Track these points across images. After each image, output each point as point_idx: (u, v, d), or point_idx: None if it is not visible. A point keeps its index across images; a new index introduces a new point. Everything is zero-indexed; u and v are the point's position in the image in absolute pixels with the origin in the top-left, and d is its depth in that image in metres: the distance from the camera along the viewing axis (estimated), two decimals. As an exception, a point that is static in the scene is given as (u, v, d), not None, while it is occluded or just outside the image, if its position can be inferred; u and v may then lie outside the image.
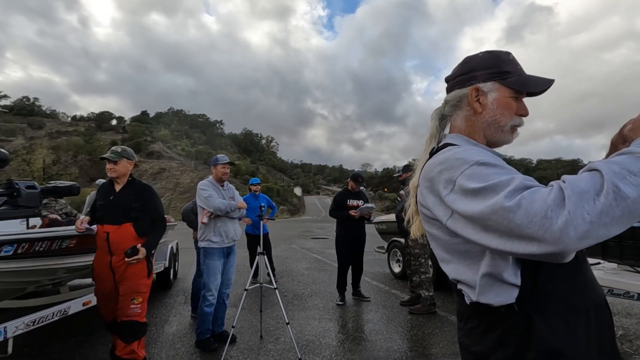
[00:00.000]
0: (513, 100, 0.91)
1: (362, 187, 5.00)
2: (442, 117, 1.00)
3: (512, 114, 0.91)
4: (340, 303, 4.65)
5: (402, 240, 5.69)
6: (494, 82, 0.91)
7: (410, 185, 1.03)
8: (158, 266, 4.95)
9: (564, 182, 0.63)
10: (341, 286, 4.80)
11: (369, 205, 4.74)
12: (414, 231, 1.05)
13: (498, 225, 0.65)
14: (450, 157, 0.80)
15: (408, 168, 4.68)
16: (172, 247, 5.74)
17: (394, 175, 4.91)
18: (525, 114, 0.93)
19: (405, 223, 1.08)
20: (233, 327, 3.19)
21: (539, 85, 0.91)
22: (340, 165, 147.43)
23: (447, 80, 1.02)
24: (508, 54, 0.94)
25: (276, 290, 3.32)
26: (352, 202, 4.81)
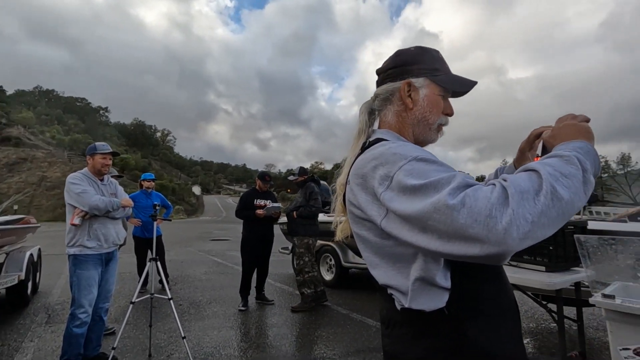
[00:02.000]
0: (441, 99, 0.90)
1: (270, 187, 4.86)
2: (372, 112, 0.94)
3: (439, 112, 0.90)
4: (242, 308, 4.40)
5: (330, 243, 5.71)
6: (425, 78, 0.89)
7: (337, 184, 0.94)
8: (10, 279, 3.92)
9: (505, 180, 0.61)
10: (245, 290, 4.56)
11: (276, 205, 4.61)
12: (339, 233, 0.97)
13: (439, 225, 0.60)
14: (385, 152, 0.74)
15: (304, 171, 4.71)
16: (31, 255, 4.64)
17: (289, 178, 4.80)
18: (451, 114, 0.93)
19: (333, 226, 1.00)
20: (113, 348, 2.69)
21: (466, 86, 0.91)
22: (244, 164, 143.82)
23: (379, 72, 0.96)
24: (437, 51, 0.93)
25: (170, 301, 2.92)
26: (260, 202, 4.61)
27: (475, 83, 0.92)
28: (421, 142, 0.92)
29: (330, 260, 5.73)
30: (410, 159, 0.70)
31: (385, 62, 0.96)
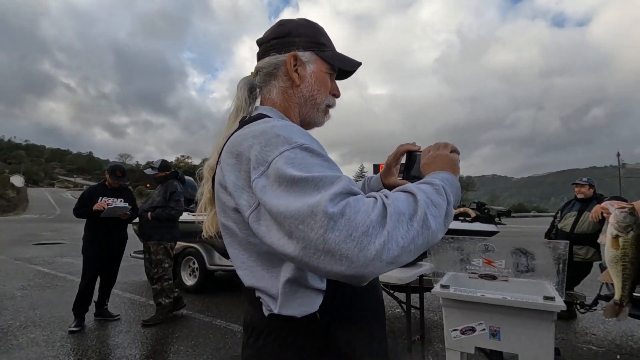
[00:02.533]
0: (328, 77, 0.83)
1: (124, 183, 4.08)
2: (252, 89, 0.83)
3: (327, 91, 0.83)
4: (74, 329, 3.55)
5: (193, 245, 5.15)
6: (312, 52, 0.81)
7: (205, 168, 0.79)
8: None
9: (386, 197, 0.56)
10: (82, 306, 3.70)
11: (121, 205, 3.85)
12: (207, 227, 0.81)
13: (310, 233, 0.51)
14: (268, 131, 0.63)
15: (166, 166, 4.14)
16: None
17: (146, 172, 4.11)
18: (338, 95, 0.87)
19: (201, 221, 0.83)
20: None
21: (352, 65, 0.86)
22: (90, 152, 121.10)
23: (260, 43, 0.84)
24: (322, 27, 0.85)
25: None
26: (107, 201, 3.81)
27: (360, 64, 0.87)
28: (307, 124, 0.84)
29: (194, 263, 5.23)
30: (295, 145, 0.60)
31: (267, 32, 0.84)
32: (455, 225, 3.85)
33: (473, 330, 1.95)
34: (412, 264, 2.57)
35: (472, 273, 1.99)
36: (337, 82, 0.89)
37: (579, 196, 4.19)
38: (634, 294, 1.45)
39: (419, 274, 2.38)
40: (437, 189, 0.63)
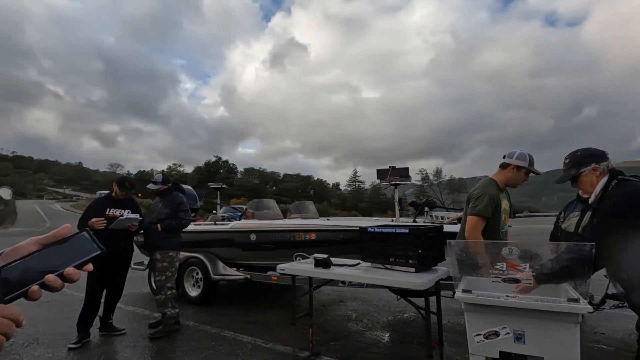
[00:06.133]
0: None
1: (131, 195, 4.04)
2: None
3: None
4: (74, 346, 3.45)
5: (197, 255, 5.10)
6: None
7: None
8: None
9: None
10: (86, 322, 3.62)
11: (132, 216, 3.82)
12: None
13: None
14: None
15: (167, 179, 4.13)
16: None
17: (149, 187, 4.08)
18: None
19: None
20: None
21: None
22: (80, 162, 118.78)
23: None
24: None
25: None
26: (115, 212, 3.76)
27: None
28: None
29: (198, 273, 5.16)
30: None
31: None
32: (457, 228, 3.85)
33: (497, 334, 1.95)
34: (428, 268, 2.57)
35: (495, 277, 1.99)
36: None
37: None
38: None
39: (436, 278, 2.38)
40: None
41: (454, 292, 3.72)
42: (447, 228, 3.20)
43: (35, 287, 0.58)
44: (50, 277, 0.58)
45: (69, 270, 0.60)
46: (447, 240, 2.07)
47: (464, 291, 2.02)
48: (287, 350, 3.37)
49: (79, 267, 0.61)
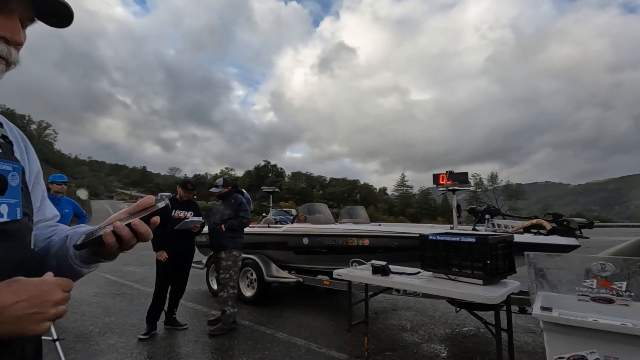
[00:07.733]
0: None
1: (194, 196, 4.32)
2: None
3: None
4: (143, 337, 3.73)
5: (251, 256, 5.27)
6: None
7: None
8: None
9: None
10: (154, 315, 3.90)
11: (195, 218, 4.05)
12: None
13: None
14: None
15: (227, 182, 4.35)
16: None
17: (212, 191, 4.32)
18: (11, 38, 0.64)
19: None
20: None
21: None
22: (144, 166, 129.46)
23: None
24: None
25: (56, 343, 2.23)
26: (179, 214, 4.03)
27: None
28: None
29: (252, 274, 5.31)
30: None
31: None
32: (528, 238, 3.54)
33: (584, 359, 1.74)
34: (497, 281, 2.39)
35: (582, 295, 1.78)
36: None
37: None
38: None
39: (508, 292, 2.19)
40: None
41: (521, 308, 3.45)
42: (518, 238, 2.96)
43: (107, 231, 0.63)
44: (117, 224, 0.64)
45: (135, 221, 0.64)
46: (525, 253, 1.90)
47: (543, 309, 1.84)
48: (341, 356, 3.33)
49: (145, 219, 0.66)
